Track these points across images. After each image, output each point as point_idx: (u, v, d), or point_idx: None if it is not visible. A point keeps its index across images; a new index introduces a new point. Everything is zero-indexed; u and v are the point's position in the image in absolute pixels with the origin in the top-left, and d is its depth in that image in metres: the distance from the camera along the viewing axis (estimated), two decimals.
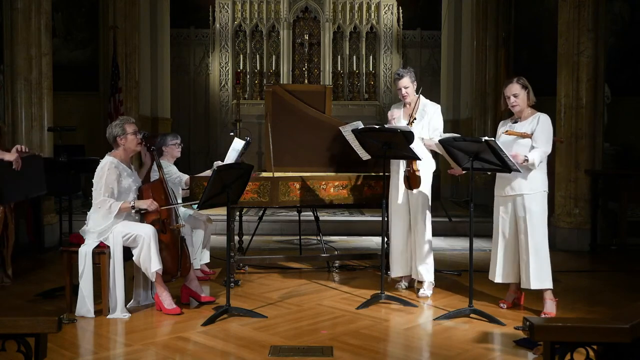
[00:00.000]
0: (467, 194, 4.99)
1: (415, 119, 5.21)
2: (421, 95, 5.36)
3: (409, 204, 5.30)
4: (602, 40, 7.41)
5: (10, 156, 5.25)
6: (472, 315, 4.59)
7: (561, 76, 7.39)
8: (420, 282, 5.30)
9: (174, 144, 5.91)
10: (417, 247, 5.26)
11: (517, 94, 4.77)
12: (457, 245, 7.57)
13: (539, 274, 4.65)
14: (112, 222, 4.64)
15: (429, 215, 5.29)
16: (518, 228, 4.74)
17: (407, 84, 5.30)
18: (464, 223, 7.47)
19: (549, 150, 4.73)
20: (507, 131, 4.78)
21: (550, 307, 4.67)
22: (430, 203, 5.31)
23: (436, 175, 5.54)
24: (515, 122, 4.84)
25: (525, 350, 3.90)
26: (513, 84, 4.81)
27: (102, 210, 4.64)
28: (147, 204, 4.71)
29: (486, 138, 4.38)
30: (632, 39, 10.32)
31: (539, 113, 4.82)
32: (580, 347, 2.55)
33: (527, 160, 4.58)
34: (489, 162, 4.53)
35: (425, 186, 5.24)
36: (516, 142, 4.71)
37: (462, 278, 5.67)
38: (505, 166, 4.49)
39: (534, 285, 4.66)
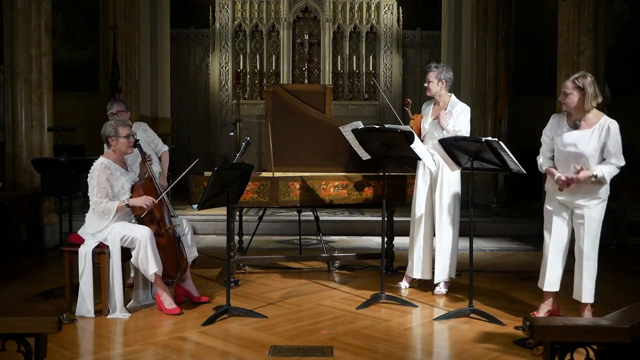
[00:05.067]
0: (466, 194, 4.96)
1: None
2: (452, 95, 5.34)
3: (432, 208, 5.31)
4: (602, 40, 7.41)
5: None
6: (472, 315, 4.60)
7: (561, 76, 7.38)
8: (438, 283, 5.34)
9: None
10: (440, 250, 5.25)
11: (568, 93, 4.11)
12: None
13: (590, 288, 4.35)
14: (109, 223, 4.64)
15: (455, 219, 5.29)
16: (576, 236, 4.36)
17: (432, 79, 5.27)
18: (464, 223, 7.46)
19: (622, 163, 4.19)
20: (566, 177, 4.16)
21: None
22: (457, 207, 5.29)
23: None
24: (576, 126, 4.18)
25: (525, 350, 3.90)
26: (568, 81, 4.18)
27: (97, 212, 4.64)
28: (142, 200, 4.69)
29: (486, 138, 4.37)
30: (632, 39, 10.31)
31: (605, 119, 4.20)
32: (580, 347, 2.54)
33: (595, 176, 4.13)
34: (489, 161, 4.52)
35: (452, 190, 5.25)
36: (582, 154, 4.18)
37: (462, 278, 5.66)
38: (506, 166, 4.49)
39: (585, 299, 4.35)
